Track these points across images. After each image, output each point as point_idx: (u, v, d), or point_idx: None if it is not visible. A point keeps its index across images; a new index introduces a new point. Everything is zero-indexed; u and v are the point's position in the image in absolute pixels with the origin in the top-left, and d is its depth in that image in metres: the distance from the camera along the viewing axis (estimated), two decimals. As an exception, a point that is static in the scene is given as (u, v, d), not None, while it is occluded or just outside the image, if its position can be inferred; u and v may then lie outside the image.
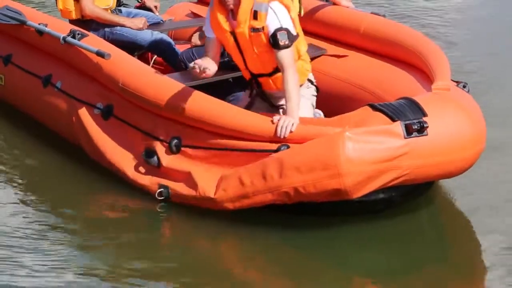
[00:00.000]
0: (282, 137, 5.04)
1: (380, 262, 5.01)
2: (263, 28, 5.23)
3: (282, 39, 5.19)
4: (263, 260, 5.08)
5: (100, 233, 5.30)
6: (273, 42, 5.20)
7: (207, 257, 5.09)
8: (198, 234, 5.30)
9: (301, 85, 5.43)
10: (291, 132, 5.04)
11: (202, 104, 5.39)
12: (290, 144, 4.99)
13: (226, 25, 5.32)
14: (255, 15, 5.23)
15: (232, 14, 5.31)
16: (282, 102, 5.42)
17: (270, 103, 5.55)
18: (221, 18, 5.32)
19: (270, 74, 5.41)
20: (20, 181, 6.01)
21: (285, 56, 5.22)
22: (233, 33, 5.31)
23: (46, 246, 5.12)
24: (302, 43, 5.47)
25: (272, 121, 5.13)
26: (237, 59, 5.47)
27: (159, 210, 5.46)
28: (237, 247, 5.28)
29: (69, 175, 6.02)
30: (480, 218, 5.39)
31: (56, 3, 6.89)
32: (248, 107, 5.54)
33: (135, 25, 6.79)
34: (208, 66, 5.26)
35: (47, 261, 4.96)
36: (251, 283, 4.93)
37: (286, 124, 5.07)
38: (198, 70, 5.23)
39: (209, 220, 5.28)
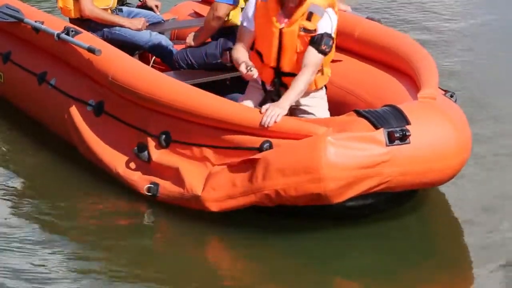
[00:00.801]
0: (266, 125, 5.06)
1: (367, 262, 5.02)
2: (315, 30, 5.30)
3: (325, 45, 5.29)
4: (251, 263, 5.10)
5: (90, 236, 5.30)
6: (316, 42, 5.29)
7: (196, 260, 5.09)
8: (186, 238, 5.28)
9: (320, 88, 5.55)
10: (275, 122, 5.05)
11: (188, 95, 5.41)
12: (271, 140, 4.99)
13: (276, 21, 5.37)
14: (309, 16, 5.30)
15: (283, 11, 5.37)
16: (295, 104, 5.47)
17: None
18: (273, 12, 5.37)
19: None
20: (14, 180, 6.01)
21: (315, 57, 5.30)
22: (279, 29, 5.36)
23: (38, 248, 5.15)
24: (333, 50, 5.55)
25: (260, 111, 5.15)
26: (270, 56, 5.45)
27: (148, 213, 5.50)
28: (225, 251, 5.30)
29: (63, 175, 6.05)
30: (467, 217, 5.44)
31: (57, 0, 6.95)
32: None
33: (134, 26, 6.82)
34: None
35: (39, 263, 5.00)
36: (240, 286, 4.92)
37: (272, 113, 5.09)
38: (245, 70, 5.29)
39: (197, 223, 5.28)
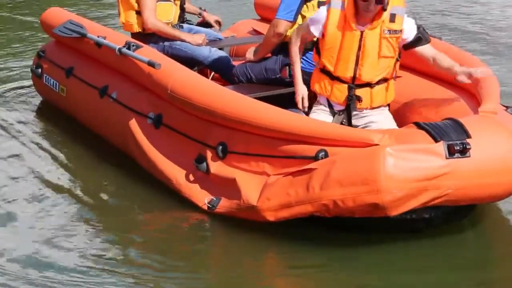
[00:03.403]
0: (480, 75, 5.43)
1: (420, 279, 4.93)
2: (401, 31, 5.41)
3: (429, 36, 5.57)
4: (305, 276, 5.03)
5: (150, 248, 5.29)
6: (422, 39, 5.52)
7: (252, 274, 5.06)
8: (243, 250, 5.27)
9: (388, 104, 5.65)
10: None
11: (243, 105, 5.45)
12: (327, 148, 4.98)
13: (355, 25, 5.44)
14: (392, 18, 5.39)
15: (360, 17, 5.43)
16: (364, 122, 5.58)
17: (349, 122, 5.62)
18: (352, 18, 5.42)
19: (375, 85, 5.52)
20: (76, 193, 6.04)
21: (431, 48, 5.57)
22: (360, 33, 5.43)
23: (99, 257, 5.17)
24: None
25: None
26: (347, 64, 5.49)
27: (203, 225, 5.50)
28: (281, 264, 5.26)
29: (123, 187, 6.11)
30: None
31: (119, 16, 7.06)
32: None
33: (194, 41, 6.90)
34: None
35: (91, 269, 5.01)
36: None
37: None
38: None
39: (254, 235, 5.28)
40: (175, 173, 5.74)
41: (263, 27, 7.87)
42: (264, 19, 8.10)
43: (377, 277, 4.96)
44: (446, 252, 5.16)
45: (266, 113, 5.31)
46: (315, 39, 5.70)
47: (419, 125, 4.98)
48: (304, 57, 6.17)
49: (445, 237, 5.25)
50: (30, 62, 8.17)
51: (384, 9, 5.38)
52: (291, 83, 6.27)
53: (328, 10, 5.50)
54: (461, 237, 5.30)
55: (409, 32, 5.51)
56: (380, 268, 5.02)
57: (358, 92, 5.53)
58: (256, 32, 7.93)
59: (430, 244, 5.20)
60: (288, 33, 6.26)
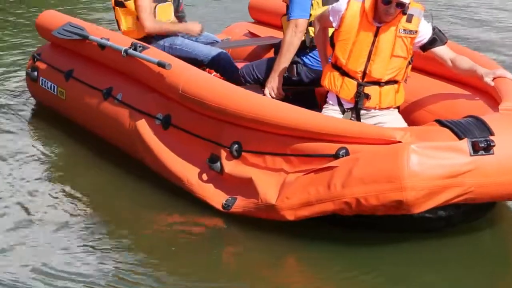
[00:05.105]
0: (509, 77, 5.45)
1: (432, 279, 4.88)
2: (416, 31, 5.41)
3: (445, 37, 5.57)
4: (325, 277, 4.98)
5: (155, 249, 5.23)
6: (437, 40, 5.51)
7: (269, 277, 4.99)
8: (258, 252, 5.20)
9: (398, 106, 5.65)
10: None
11: (260, 104, 5.38)
12: (348, 146, 4.92)
13: (372, 20, 5.43)
14: (409, 18, 5.40)
15: (378, 14, 5.42)
16: (373, 122, 5.54)
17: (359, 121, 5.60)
18: (370, 12, 5.41)
19: (384, 84, 5.51)
20: (79, 195, 5.95)
21: (448, 49, 5.57)
22: (376, 28, 5.42)
23: (104, 259, 5.09)
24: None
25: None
26: (359, 59, 5.49)
27: (217, 227, 5.43)
28: (297, 266, 5.21)
29: (126, 189, 6.03)
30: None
31: (119, 26, 7.02)
32: None
33: (192, 31, 6.98)
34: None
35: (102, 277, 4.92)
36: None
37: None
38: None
39: (269, 236, 5.23)
40: (187, 174, 5.66)
41: (258, 29, 7.88)
42: (258, 21, 8.08)
43: (396, 276, 4.92)
44: (462, 252, 5.13)
45: (285, 111, 5.25)
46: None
47: (441, 123, 4.93)
48: (309, 55, 6.18)
49: (461, 237, 5.22)
50: (23, 64, 8.07)
51: (404, 13, 5.39)
52: (298, 82, 6.26)
53: (348, 2, 5.49)
54: (477, 236, 5.28)
55: (424, 34, 5.52)
56: (399, 267, 4.99)
57: (367, 90, 5.53)
58: (251, 34, 7.92)
59: (447, 243, 5.17)
60: None
